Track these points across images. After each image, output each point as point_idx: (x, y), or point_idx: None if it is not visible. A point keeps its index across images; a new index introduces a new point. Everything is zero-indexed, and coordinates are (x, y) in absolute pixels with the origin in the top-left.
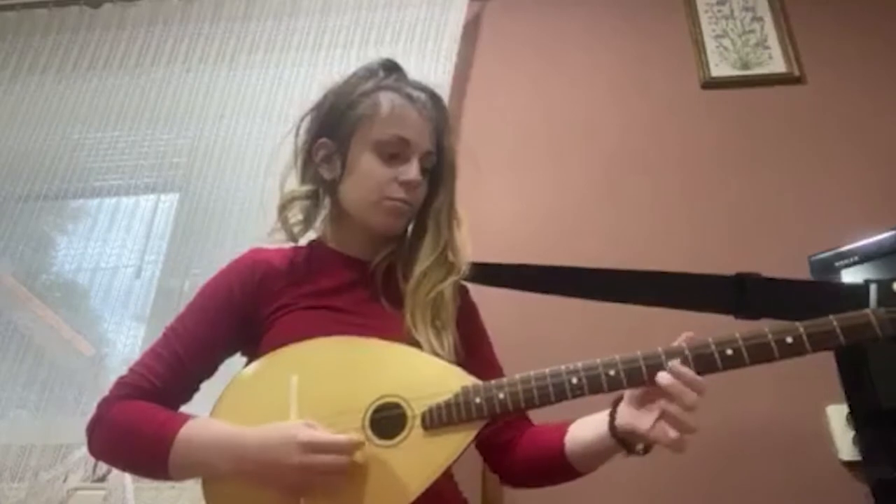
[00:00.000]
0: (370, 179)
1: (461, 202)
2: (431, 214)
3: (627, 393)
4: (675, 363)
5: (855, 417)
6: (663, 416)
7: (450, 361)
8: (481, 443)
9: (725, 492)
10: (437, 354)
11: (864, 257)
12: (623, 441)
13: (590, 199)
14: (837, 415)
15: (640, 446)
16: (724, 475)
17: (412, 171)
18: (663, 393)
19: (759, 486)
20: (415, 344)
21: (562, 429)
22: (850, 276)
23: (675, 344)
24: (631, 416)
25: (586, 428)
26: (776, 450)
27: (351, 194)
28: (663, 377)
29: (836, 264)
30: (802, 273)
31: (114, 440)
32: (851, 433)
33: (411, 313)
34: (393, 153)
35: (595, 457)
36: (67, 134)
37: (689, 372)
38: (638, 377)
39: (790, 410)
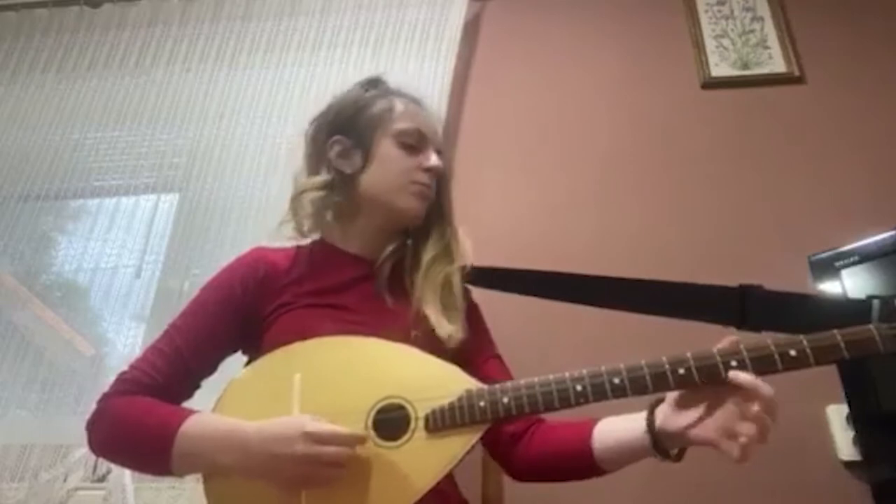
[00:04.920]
0: (395, 165)
1: (461, 201)
2: (436, 210)
3: (669, 396)
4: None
5: (855, 417)
6: (746, 415)
7: (458, 342)
8: (487, 433)
9: (725, 491)
10: (446, 334)
11: (864, 257)
12: (658, 444)
13: (590, 199)
14: (837, 415)
15: (673, 451)
16: (724, 475)
17: (432, 158)
18: (728, 394)
19: (759, 486)
20: (417, 342)
21: (587, 427)
22: (850, 276)
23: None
24: (673, 417)
25: (619, 428)
26: (776, 450)
27: (376, 181)
28: (739, 375)
29: (836, 264)
30: (802, 273)
31: (115, 435)
32: (851, 433)
33: (421, 294)
34: (412, 144)
35: (625, 457)
36: (67, 134)
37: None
38: (642, 386)
39: (790, 410)
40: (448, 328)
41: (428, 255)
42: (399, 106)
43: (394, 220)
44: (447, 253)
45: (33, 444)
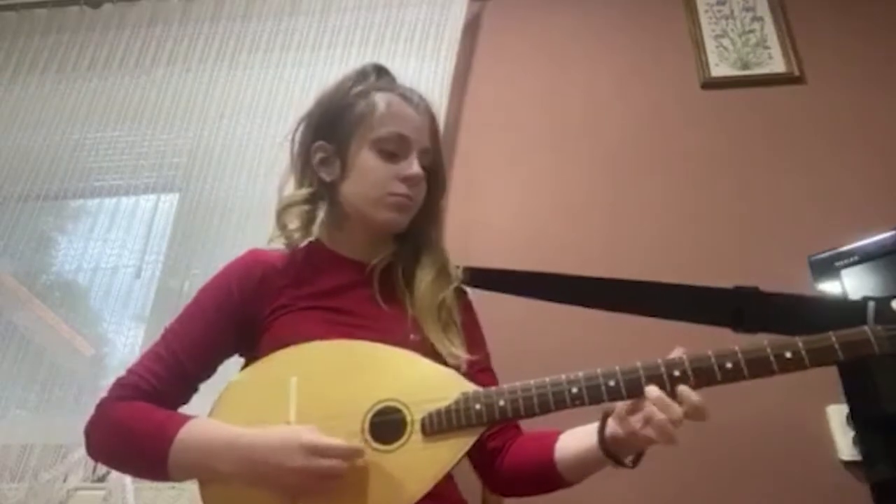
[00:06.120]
0: (371, 176)
1: (462, 201)
2: (430, 217)
3: (618, 406)
4: (682, 388)
5: (855, 417)
6: (649, 422)
7: (459, 356)
8: (471, 450)
9: (725, 491)
10: (449, 352)
11: (864, 257)
12: (611, 452)
13: (589, 200)
14: (837, 415)
15: (629, 458)
16: (724, 475)
17: (413, 166)
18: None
19: (759, 486)
20: (413, 345)
21: (551, 438)
22: (850, 276)
23: (671, 356)
24: (622, 423)
25: (576, 439)
26: (776, 449)
27: (352, 193)
28: (653, 390)
29: (836, 264)
30: (802, 273)
31: (112, 441)
32: (851, 433)
33: (422, 321)
34: (392, 151)
35: (585, 468)
36: (67, 134)
37: (686, 390)
38: (637, 388)
39: (790, 410)
40: (456, 353)
41: (424, 277)
42: (381, 106)
43: (377, 230)
44: (444, 275)
45: (33, 444)
